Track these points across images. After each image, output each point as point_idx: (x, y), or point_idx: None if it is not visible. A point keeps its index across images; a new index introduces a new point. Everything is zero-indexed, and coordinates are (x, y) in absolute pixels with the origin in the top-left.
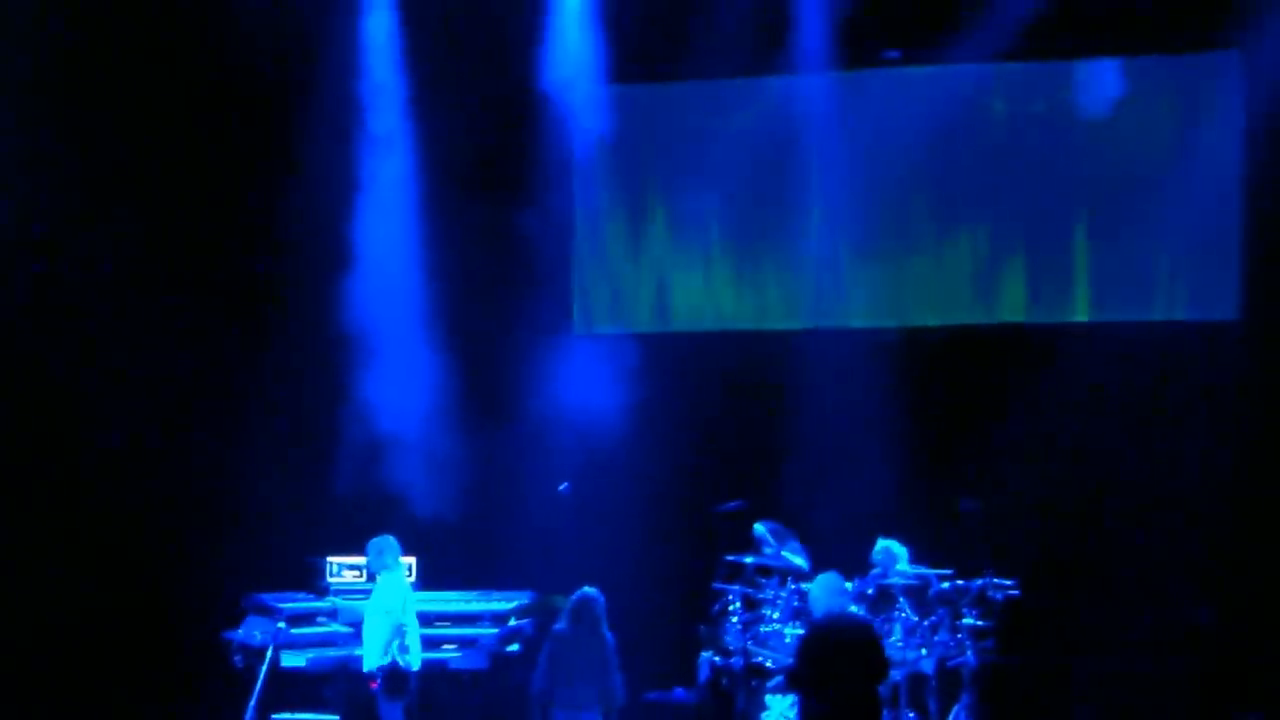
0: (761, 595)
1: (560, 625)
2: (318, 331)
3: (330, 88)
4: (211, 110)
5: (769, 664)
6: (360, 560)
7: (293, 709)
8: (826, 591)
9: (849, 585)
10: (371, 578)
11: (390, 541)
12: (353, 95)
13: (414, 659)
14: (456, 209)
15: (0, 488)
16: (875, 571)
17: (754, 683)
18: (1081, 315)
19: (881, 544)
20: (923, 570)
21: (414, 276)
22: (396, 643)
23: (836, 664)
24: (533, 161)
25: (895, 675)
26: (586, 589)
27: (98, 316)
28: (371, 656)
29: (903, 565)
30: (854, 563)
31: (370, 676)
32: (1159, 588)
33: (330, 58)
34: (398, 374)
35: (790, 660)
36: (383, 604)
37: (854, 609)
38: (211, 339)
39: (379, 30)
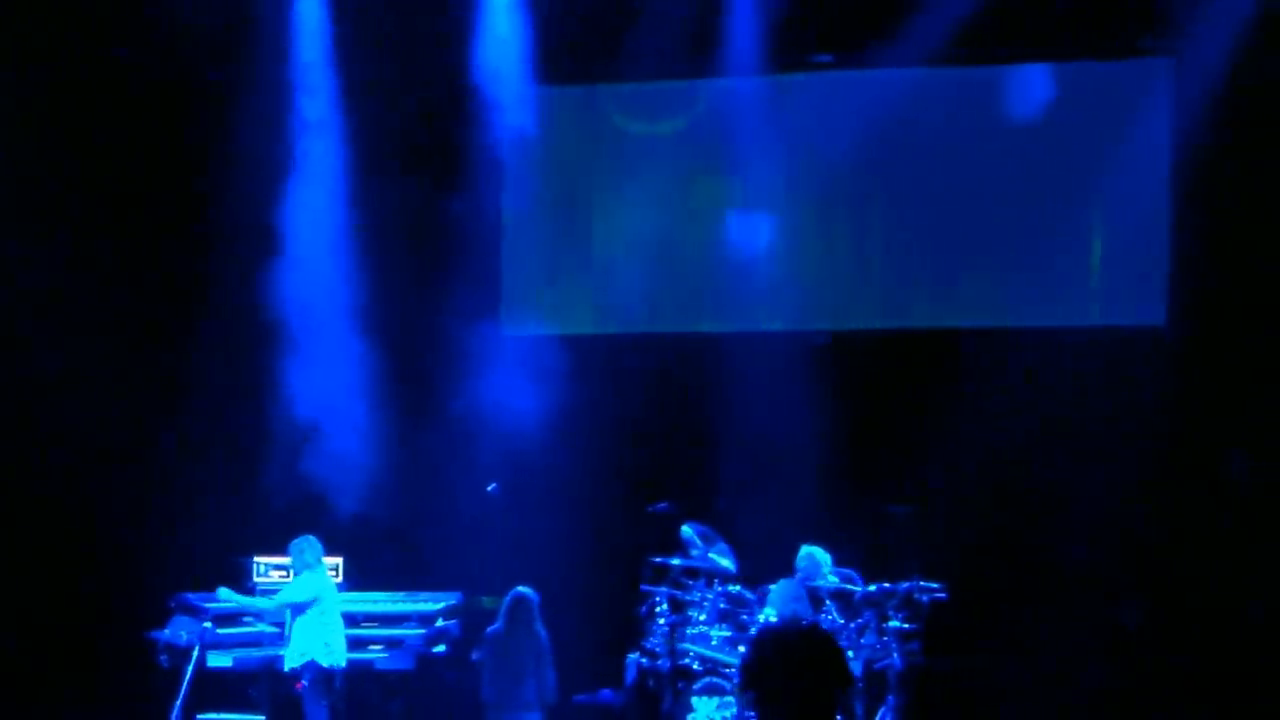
0: (688, 597)
1: (495, 626)
2: (245, 326)
3: (260, 73)
4: (140, 95)
5: (695, 666)
6: (287, 560)
7: (218, 709)
8: (783, 597)
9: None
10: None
11: (311, 541)
12: (283, 81)
13: (338, 658)
14: (387, 210)
15: None
16: (799, 576)
17: (680, 684)
18: (1010, 320)
19: (805, 551)
20: (849, 573)
21: (343, 276)
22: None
23: (786, 669)
24: (463, 162)
25: None
26: (521, 588)
27: (17, 306)
28: (291, 656)
29: (826, 572)
30: (782, 566)
31: (294, 676)
32: (1085, 590)
33: (261, 43)
34: (327, 372)
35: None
36: (286, 599)
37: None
38: (137, 332)
39: (310, 16)
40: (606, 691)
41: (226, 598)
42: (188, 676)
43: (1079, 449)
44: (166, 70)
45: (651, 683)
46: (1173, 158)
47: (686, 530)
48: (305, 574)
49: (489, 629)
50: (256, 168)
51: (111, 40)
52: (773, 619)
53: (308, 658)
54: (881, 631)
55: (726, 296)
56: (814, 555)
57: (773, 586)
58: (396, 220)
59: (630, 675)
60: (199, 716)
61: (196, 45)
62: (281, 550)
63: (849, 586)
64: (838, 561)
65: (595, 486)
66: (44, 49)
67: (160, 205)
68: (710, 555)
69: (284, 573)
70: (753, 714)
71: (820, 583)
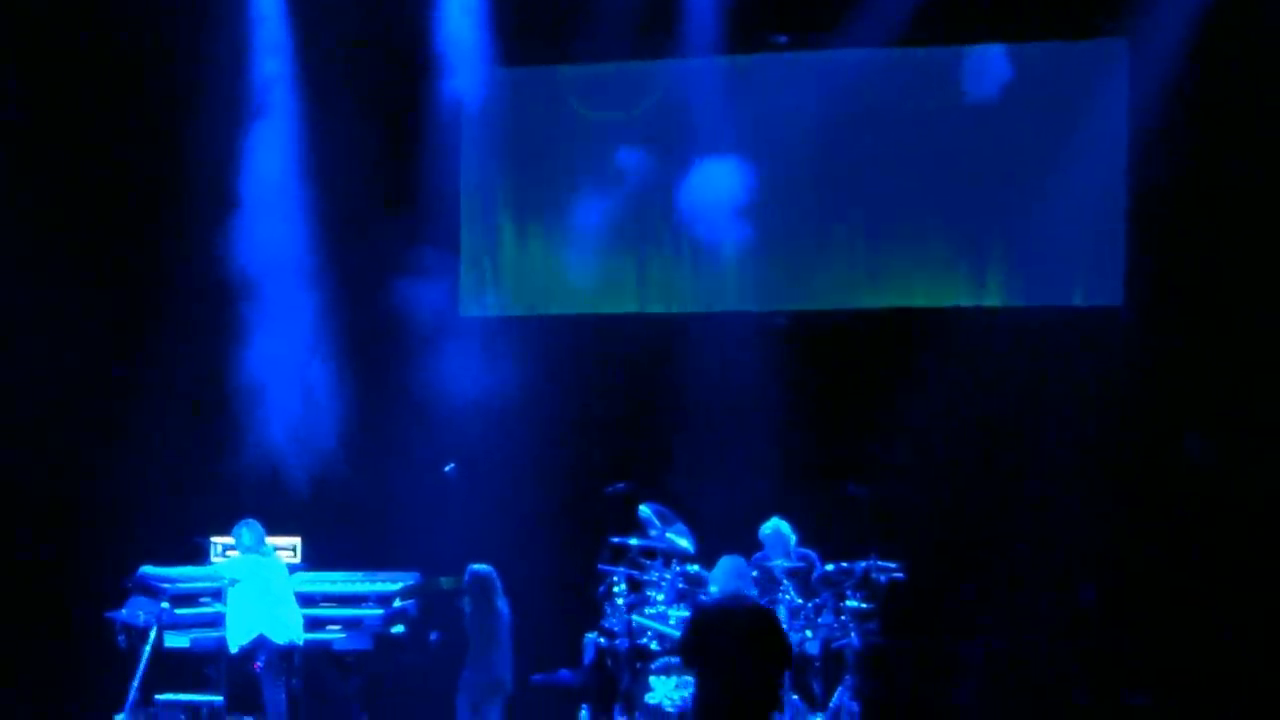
0: (646, 577)
1: (467, 606)
2: (204, 305)
3: (218, 38)
4: (97, 58)
5: (654, 646)
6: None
7: (176, 689)
8: (726, 573)
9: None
10: None
11: (251, 525)
12: (241, 53)
13: (294, 636)
14: (344, 194)
15: None
16: (758, 554)
17: (639, 664)
18: (967, 300)
19: (772, 523)
20: (808, 553)
21: (300, 261)
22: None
23: (724, 645)
24: (421, 144)
25: None
26: (477, 565)
27: None
28: (234, 637)
29: (790, 547)
30: (740, 546)
31: (246, 655)
32: (1042, 569)
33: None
34: (285, 353)
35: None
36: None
37: (753, 593)
38: (93, 310)
39: None
40: (565, 671)
41: (150, 572)
42: (145, 657)
43: (1037, 429)
44: (121, 30)
45: (610, 662)
46: (1130, 138)
47: (644, 510)
48: (236, 556)
49: (466, 610)
50: (213, 137)
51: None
52: (714, 594)
53: (255, 633)
54: (839, 611)
55: (685, 277)
56: (780, 529)
57: (718, 563)
58: (353, 204)
59: (588, 655)
60: (156, 697)
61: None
62: None
63: (804, 565)
64: (798, 542)
65: (553, 466)
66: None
67: (114, 174)
68: (668, 535)
69: (235, 554)
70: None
71: (777, 562)
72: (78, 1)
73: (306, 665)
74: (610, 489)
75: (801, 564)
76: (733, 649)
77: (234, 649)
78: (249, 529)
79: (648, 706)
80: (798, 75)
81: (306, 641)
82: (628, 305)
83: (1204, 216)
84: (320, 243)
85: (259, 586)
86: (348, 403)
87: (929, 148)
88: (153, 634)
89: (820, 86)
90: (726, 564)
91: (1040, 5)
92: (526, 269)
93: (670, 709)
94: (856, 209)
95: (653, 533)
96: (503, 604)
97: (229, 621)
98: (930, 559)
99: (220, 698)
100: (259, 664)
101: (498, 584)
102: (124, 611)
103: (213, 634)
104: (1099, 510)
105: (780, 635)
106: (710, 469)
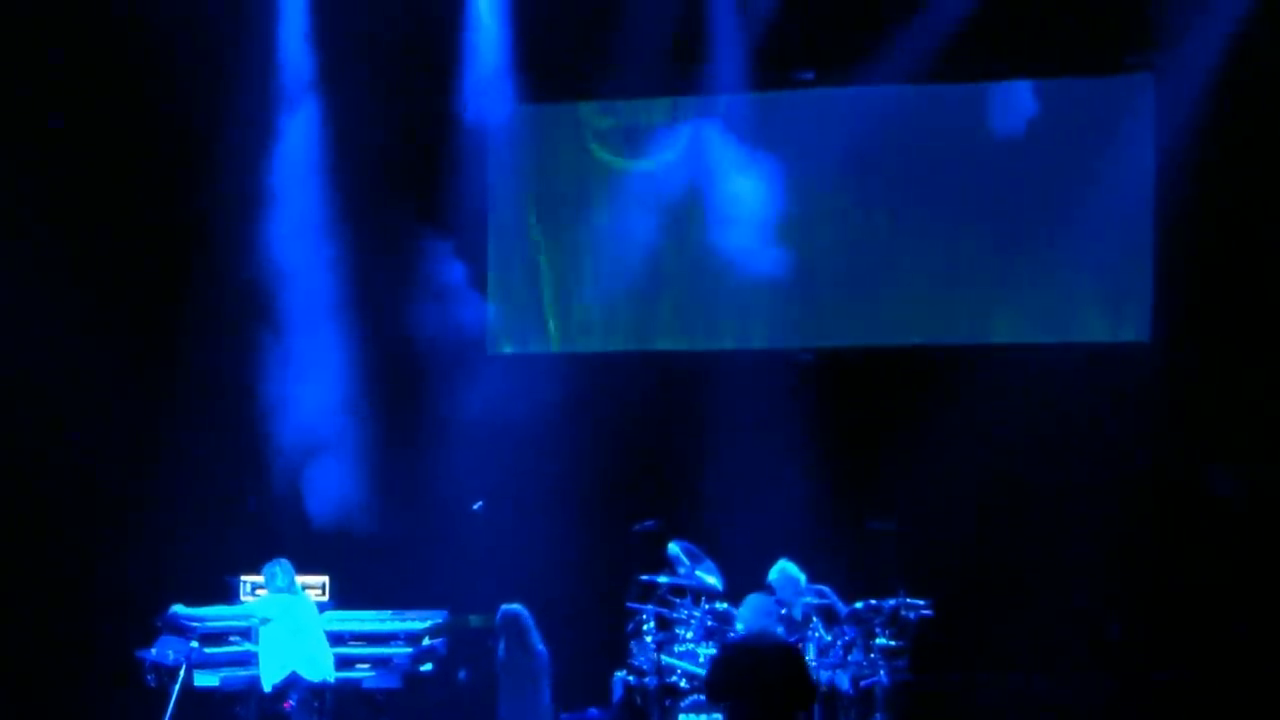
0: (675, 615)
1: (499, 649)
2: (233, 343)
3: (244, 49)
4: (128, 75)
5: (683, 684)
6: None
7: None
8: (755, 612)
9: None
10: None
11: (283, 565)
12: (269, 67)
13: (325, 674)
14: (369, 231)
15: None
16: (777, 595)
17: (667, 702)
18: (994, 336)
19: (779, 565)
20: (822, 589)
21: (328, 300)
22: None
23: (750, 683)
24: (446, 187)
25: None
26: (509, 605)
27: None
28: (268, 675)
29: (801, 585)
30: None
31: (279, 694)
32: (1070, 606)
33: (248, 23)
34: (314, 391)
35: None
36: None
37: (779, 631)
38: (119, 341)
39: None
40: (594, 710)
41: (181, 611)
42: (174, 696)
43: (1064, 465)
44: (158, 45)
45: (639, 700)
46: (1157, 173)
47: (673, 548)
48: (268, 595)
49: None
50: (239, 151)
51: (106, 18)
52: (740, 632)
53: (288, 671)
54: (868, 649)
55: (711, 314)
56: (786, 570)
57: (744, 601)
58: (380, 240)
59: (617, 693)
60: None
61: (181, 25)
62: None
63: (823, 601)
64: (813, 578)
65: (581, 504)
66: (43, 20)
67: (144, 214)
68: (697, 573)
69: (265, 593)
70: None
71: (799, 600)
72: (117, 19)
73: (336, 704)
74: (638, 526)
75: (822, 600)
76: (758, 687)
77: (267, 687)
78: (281, 569)
79: None
80: (824, 112)
81: (336, 680)
82: (655, 342)
83: (1231, 250)
84: (348, 276)
85: (291, 625)
86: (377, 440)
87: (955, 183)
88: (182, 673)
89: (846, 123)
90: (753, 602)
91: (1065, 41)
92: (555, 306)
93: None
94: (882, 246)
95: (681, 570)
96: (538, 643)
97: (262, 660)
98: (958, 596)
99: None
100: (290, 702)
101: (530, 623)
102: (153, 650)
103: (242, 673)
104: (1126, 545)
105: (804, 673)
106: (738, 506)
